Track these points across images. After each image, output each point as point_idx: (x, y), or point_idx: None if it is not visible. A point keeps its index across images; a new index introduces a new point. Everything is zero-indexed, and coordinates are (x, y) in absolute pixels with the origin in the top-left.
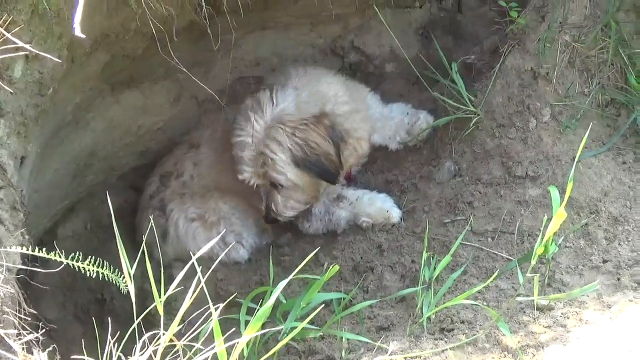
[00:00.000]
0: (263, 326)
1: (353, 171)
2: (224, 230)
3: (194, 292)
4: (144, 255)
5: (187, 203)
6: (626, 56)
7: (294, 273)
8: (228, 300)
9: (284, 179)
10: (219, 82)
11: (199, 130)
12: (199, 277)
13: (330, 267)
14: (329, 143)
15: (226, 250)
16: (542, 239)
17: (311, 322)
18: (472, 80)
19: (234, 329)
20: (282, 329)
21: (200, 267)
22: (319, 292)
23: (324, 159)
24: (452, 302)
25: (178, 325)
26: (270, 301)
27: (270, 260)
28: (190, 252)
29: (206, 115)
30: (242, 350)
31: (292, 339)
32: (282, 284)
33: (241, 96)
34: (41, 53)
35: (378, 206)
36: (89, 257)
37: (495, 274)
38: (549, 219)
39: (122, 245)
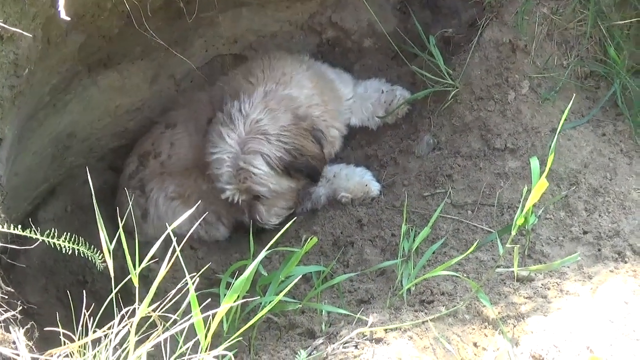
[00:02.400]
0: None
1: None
2: (203, 207)
3: (169, 263)
4: (124, 234)
5: (166, 182)
6: (605, 28)
7: (269, 244)
8: (203, 269)
9: (267, 191)
10: (197, 61)
11: (176, 110)
12: (174, 250)
13: (309, 240)
14: (314, 143)
15: (195, 228)
16: (522, 210)
17: (291, 296)
18: (451, 54)
19: (209, 299)
20: (261, 302)
21: (181, 244)
22: (299, 266)
23: (312, 160)
24: (431, 273)
25: (158, 301)
26: (247, 272)
27: (251, 236)
28: (171, 230)
29: (183, 94)
30: (223, 323)
31: (273, 314)
32: (260, 256)
33: (219, 74)
34: (17, 30)
35: (356, 180)
36: (68, 236)
37: (474, 245)
38: (529, 191)
39: (103, 226)
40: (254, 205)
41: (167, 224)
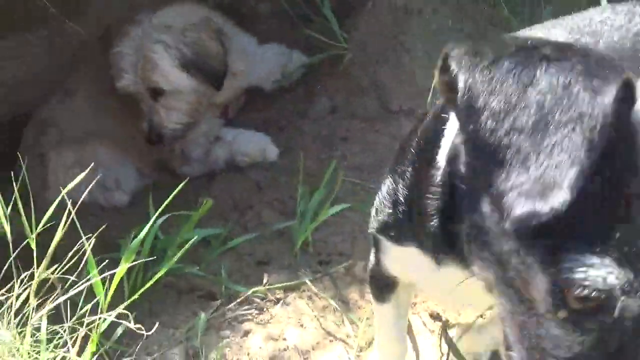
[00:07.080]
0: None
1: (231, 112)
2: (100, 174)
3: (64, 226)
4: (22, 199)
5: (64, 151)
6: None
7: (162, 206)
8: (99, 230)
9: (166, 83)
10: (95, 27)
11: (75, 77)
12: (69, 214)
13: (204, 203)
14: (218, 43)
15: (94, 194)
16: None
17: (192, 260)
18: (345, 17)
19: (107, 261)
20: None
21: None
22: (196, 229)
23: (212, 61)
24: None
25: (55, 264)
26: (142, 234)
27: (151, 201)
28: (70, 199)
29: (84, 59)
30: (124, 287)
31: (173, 277)
32: (153, 218)
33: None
34: None
35: (255, 145)
36: None
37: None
38: None
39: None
40: (153, 107)
41: (64, 191)
